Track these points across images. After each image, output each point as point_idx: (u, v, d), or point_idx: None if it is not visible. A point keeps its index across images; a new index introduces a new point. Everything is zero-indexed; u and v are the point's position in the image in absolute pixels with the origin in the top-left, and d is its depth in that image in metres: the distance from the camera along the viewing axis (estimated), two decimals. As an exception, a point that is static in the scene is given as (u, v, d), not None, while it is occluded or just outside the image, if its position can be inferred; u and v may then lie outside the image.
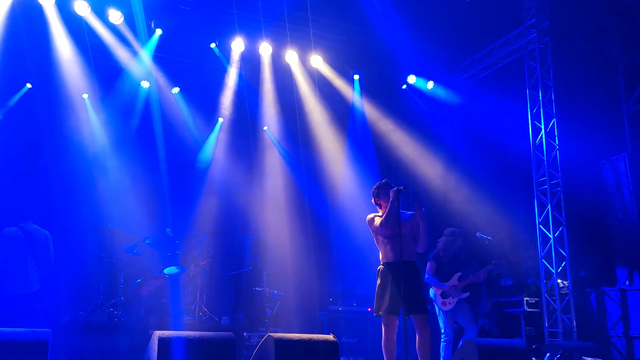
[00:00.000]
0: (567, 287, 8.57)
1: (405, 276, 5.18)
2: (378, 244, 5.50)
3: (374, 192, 5.57)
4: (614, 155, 8.56)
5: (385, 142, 10.54)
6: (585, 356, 5.57)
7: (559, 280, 8.61)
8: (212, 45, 9.44)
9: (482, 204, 9.57)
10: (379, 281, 5.35)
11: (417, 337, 5.29)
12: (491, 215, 9.36)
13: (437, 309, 7.11)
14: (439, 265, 7.19)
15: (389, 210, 5.28)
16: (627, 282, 7.80)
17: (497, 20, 9.30)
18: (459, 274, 7.18)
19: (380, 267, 5.42)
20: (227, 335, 4.81)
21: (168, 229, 8.93)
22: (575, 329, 8.20)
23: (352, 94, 10.47)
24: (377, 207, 5.57)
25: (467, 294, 7.15)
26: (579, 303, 8.34)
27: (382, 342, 5.25)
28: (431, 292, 7.13)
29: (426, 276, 7.13)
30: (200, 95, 10.21)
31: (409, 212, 5.53)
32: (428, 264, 7.23)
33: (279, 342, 4.75)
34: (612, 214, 8.17)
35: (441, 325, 7.07)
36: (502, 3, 9.36)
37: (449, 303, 7.01)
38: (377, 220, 5.39)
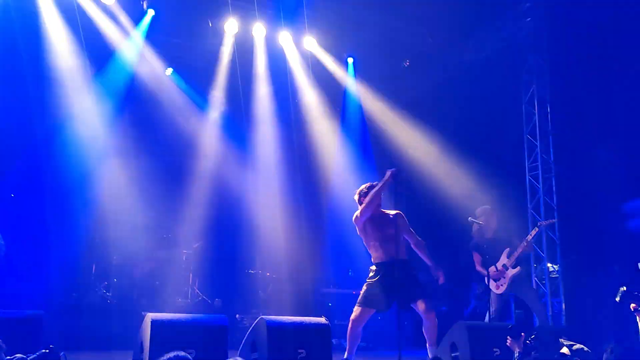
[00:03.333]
0: (557, 271, 8.67)
1: (400, 274, 5.15)
2: (369, 247, 5.40)
3: (361, 191, 5.47)
4: (607, 140, 8.60)
5: (379, 126, 10.52)
6: (561, 339, 5.66)
7: (549, 265, 8.70)
8: (207, 24, 9.34)
9: (474, 189, 9.60)
10: (368, 279, 5.29)
11: (424, 322, 5.28)
12: (483, 200, 9.39)
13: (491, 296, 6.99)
14: (482, 253, 7.08)
15: (377, 189, 5.23)
16: (616, 267, 7.89)
17: (492, 3, 9.21)
18: (508, 249, 7.04)
19: (373, 267, 5.35)
20: (220, 317, 4.84)
21: (150, 211, 8.86)
22: (564, 313, 8.32)
23: (346, 77, 10.41)
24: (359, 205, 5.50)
25: (518, 268, 6.97)
26: (568, 287, 8.43)
27: (350, 330, 5.20)
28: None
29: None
30: (193, 76, 10.12)
31: (393, 213, 5.46)
32: (473, 256, 7.11)
33: (272, 324, 4.78)
34: (603, 199, 8.22)
35: (491, 311, 6.93)
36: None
37: (502, 284, 6.95)
38: (359, 210, 5.32)
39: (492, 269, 6.94)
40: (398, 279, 5.11)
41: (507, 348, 5.51)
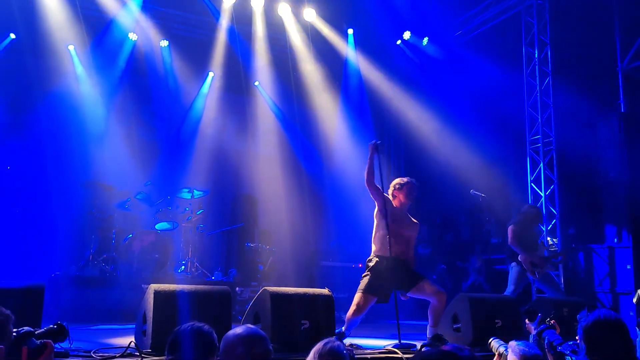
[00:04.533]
0: (556, 244, 8.70)
1: (401, 269, 5.16)
2: (379, 236, 5.27)
3: (395, 185, 5.39)
4: (607, 114, 8.56)
5: (380, 98, 10.42)
6: (577, 314, 5.64)
7: (548, 238, 8.72)
8: (204, -5, 9.18)
9: (475, 162, 9.57)
10: (371, 271, 5.21)
11: (432, 303, 5.26)
12: (483, 173, 9.38)
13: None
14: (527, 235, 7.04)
15: (368, 166, 5.20)
16: (615, 240, 7.91)
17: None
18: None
19: (375, 259, 5.26)
20: (223, 288, 4.81)
21: (148, 182, 8.82)
22: (563, 286, 8.36)
23: (346, 48, 10.27)
24: (391, 197, 5.45)
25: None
26: (569, 259, 8.47)
27: (351, 314, 5.17)
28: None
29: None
30: (190, 48, 9.96)
31: (414, 220, 5.47)
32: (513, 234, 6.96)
33: (275, 295, 4.76)
34: (604, 172, 8.21)
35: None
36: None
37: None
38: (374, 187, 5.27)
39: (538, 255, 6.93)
40: (399, 272, 5.13)
41: (509, 319, 5.53)
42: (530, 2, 9.22)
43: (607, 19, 8.93)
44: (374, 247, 5.34)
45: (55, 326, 3.11)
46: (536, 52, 9.21)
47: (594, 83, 9.04)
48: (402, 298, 5.36)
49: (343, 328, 5.28)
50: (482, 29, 10.10)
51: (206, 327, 2.30)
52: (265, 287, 4.92)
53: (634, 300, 4.17)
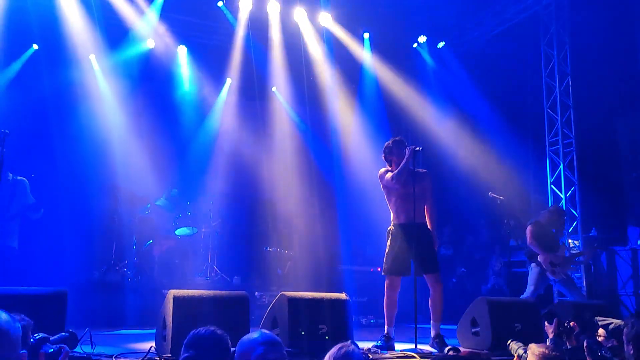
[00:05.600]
0: (578, 246, 8.58)
1: (417, 237, 5.21)
2: (390, 204, 5.48)
3: (386, 148, 5.53)
4: (629, 112, 8.43)
5: (397, 102, 10.40)
6: (597, 316, 5.54)
7: (569, 240, 8.61)
8: (220, 3, 9.27)
9: (494, 164, 9.50)
10: (389, 242, 5.38)
11: (431, 293, 5.35)
12: (503, 175, 9.30)
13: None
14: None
15: (402, 165, 5.25)
16: (639, 242, 7.78)
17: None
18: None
19: (391, 227, 5.43)
20: (241, 293, 4.85)
21: (174, 190, 8.94)
22: (585, 288, 8.24)
23: (362, 52, 10.28)
24: (387, 164, 5.53)
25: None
26: (590, 262, 8.34)
27: (385, 301, 5.32)
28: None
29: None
30: (208, 55, 10.07)
31: (422, 171, 5.50)
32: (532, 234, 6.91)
33: (292, 300, 4.78)
34: (626, 172, 8.09)
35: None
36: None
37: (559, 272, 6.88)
38: (389, 175, 5.37)
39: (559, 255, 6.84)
40: (415, 243, 5.16)
41: (529, 323, 5.47)
42: (548, 1, 9.13)
43: (627, 16, 8.81)
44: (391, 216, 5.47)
45: (67, 333, 3.23)
46: (555, 52, 9.11)
47: (614, 82, 8.91)
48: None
49: (385, 328, 5.29)
50: (498, 29, 10.01)
51: (220, 331, 2.33)
52: (283, 292, 4.95)
53: None
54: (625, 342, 2.67)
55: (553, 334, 4.20)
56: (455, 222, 10.68)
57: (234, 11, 9.42)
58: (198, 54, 10.04)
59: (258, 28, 9.68)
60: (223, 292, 4.93)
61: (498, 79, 9.95)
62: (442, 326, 5.52)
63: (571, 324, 4.44)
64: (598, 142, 8.80)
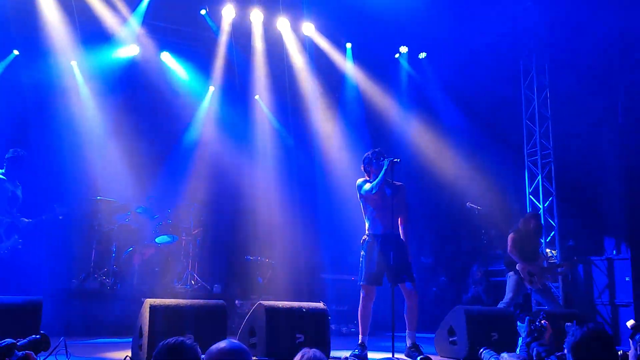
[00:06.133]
0: (556, 256, 8.70)
1: (394, 247, 5.26)
2: (366, 214, 5.54)
3: (365, 159, 5.60)
4: (606, 125, 8.59)
5: (378, 112, 10.49)
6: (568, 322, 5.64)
7: (547, 250, 8.73)
8: (203, 11, 9.30)
9: (474, 174, 9.62)
10: (363, 252, 5.42)
11: (406, 303, 5.40)
12: (482, 185, 9.42)
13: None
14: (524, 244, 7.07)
15: (381, 177, 5.32)
16: (614, 252, 7.91)
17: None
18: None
19: (365, 237, 5.47)
20: (219, 302, 4.85)
21: (149, 197, 8.88)
22: (562, 297, 8.35)
23: (344, 62, 10.36)
24: (366, 175, 5.60)
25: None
26: (569, 271, 8.45)
27: (360, 310, 5.37)
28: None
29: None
30: (191, 62, 10.07)
31: (398, 184, 5.56)
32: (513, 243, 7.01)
33: (270, 309, 4.80)
34: (602, 184, 8.23)
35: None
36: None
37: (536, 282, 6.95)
38: (367, 186, 5.43)
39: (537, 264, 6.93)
40: (392, 253, 5.22)
41: (505, 332, 5.53)
42: (528, 15, 9.27)
43: (607, 29, 8.99)
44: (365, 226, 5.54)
45: (38, 336, 3.20)
46: (534, 65, 9.27)
47: (592, 94, 9.08)
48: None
49: (360, 337, 5.35)
50: (480, 42, 10.15)
51: (189, 341, 2.34)
52: (261, 302, 4.95)
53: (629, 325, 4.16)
54: (566, 350, 2.72)
55: (526, 333, 4.25)
56: (436, 232, 10.77)
57: (217, 19, 9.44)
58: (181, 61, 10.04)
59: (241, 36, 9.71)
60: (201, 301, 4.93)
61: (478, 91, 10.07)
62: (422, 335, 5.58)
63: (542, 322, 4.50)
64: (576, 153, 8.94)
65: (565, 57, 9.06)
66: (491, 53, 10.00)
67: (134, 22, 9.04)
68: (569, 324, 4.31)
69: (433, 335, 6.03)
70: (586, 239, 8.66)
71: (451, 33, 10.21)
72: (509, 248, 6.92)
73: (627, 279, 7.64)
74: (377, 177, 5.39)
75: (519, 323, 4.58)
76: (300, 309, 4.96)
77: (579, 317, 6.08)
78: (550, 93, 9.11)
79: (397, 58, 10.66)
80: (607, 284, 7.90)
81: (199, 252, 9.11)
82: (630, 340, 3.95)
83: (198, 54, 9.99)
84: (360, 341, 5.34)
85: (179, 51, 9.95)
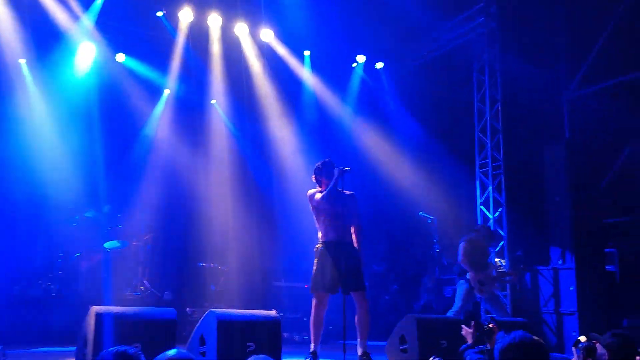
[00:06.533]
0: (505, 265, 8.91)
1: (345, 255, 5.29)
2: (318, 223, 5.55)
3: (316, 169, 5.63)
4: (553, 139, 8.89)
5: (334, 120, 10.56)
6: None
7: (496, 259, 8.93)
8: (159, 13, 9.14)
9: (427, 184, 9.78)
10: (316, 260, 5.43)
11: (357, 311, 5.42)
12: (435, 195, 9.59)
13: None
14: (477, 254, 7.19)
15: (331, 186, 5.36)
16: (560, 262, 8.16)
17: (447, 3, 9.38)
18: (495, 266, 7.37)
19: (319, 245, 5.48)
20: (169, 310, 4.75)
21: (107, 206, 8.67)
22: (510, 306, 8.57)
23: (302, 70, 10.38)
24: (318, 185, 5.61)
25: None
26: (516, 280, 8.67)
27: (312, 318, 5.36)
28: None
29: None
30: (146, 64, 9.88)
31: (349, 192, 5.59)
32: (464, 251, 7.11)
33: (221, 317, 4.73)
34: (550, 196, 8.49)
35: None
36: (453, -15, 9.48)
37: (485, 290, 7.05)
38: (319, 195, 5.45)
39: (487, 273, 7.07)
40: (342, 261, 5.23)
41: (455, 340, 5.62)
42: (481, 30, 9.54)
43: (554, 47, 9.34)
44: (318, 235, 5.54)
45: None
46: (487, 78, 9.51)
47: (541, 109, 9.41)
48: None
49: (311, 345, 5.32)
50: (435, 54, 10.40)
51: (132, 350, 2.27)
52: (212, 309, 4.88)
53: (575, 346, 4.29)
54: (495, 356, 2.77)
55: (473, 336, 4.31)
56: (390, 240, 10.89)
57: (174, 22, 9.30)
58: (136, 63, 9.83)
59: (198, 40, 9.60)
60: (150, 308, 4.82)
61: (434, 102, 10.29)
62: (374, 343, 5.60)
63: (490, 325, 4.60)
64: (525, 166, 9.21)
65: (516, 73, 9.35)
66: (447, 66, 10.25)
67: (88, 21, 8.80)
68: (500, 332, 4.42)
69: (385, 343, 6.07)
70: (533, 249, 8.91)
71: (407, 44, 10.41)
72: (460, 257, 7.07)
73: (571, 288, 7.88)
74: (328, 187, 5.42)
75: (464, 327, 4.65)
76: (252, 316, 4.90)
77: (526, 325, 6.25)
78: (502, 106, 9.36)
79: (354, 67, 10.75)
80: (553, 292, 8.13)
81: (149, 258, 8.92)
82: (573, 348, 4.08)
83: (154, 56, 9.81)
84: (311, 350, 5.34)
85: (135, 53, 9.74)
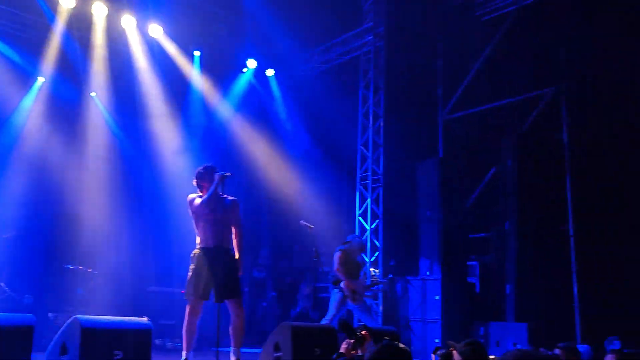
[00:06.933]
0: (379, 275, 9.32)
1: (222, 262, 5.24)
2: (197, 228, 5.45)
3: (197, 174, 5.52)
4: (428, 157, 9.47)
5: (220, 124, 10.42)
6: (386, 338, 6.05)
7: (371, 269, 9.31)
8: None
9: (310, 193, 9.96)
10: (193, 265, 5.33)
11: (232, 319, 5.37)
12: (318, 204, 9.79)
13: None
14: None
15: (210, 191, 5.29)
16: (428, 272, 8.69)
17: (339, 18, 9.68)
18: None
19: (196, 251, 5.38)
20: (26, 316, 4.40)
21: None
22: (382, 314, 8.97)
23: (191, 70, 10.13)
24: (199, 189, 5.51)
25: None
26: (387, 290, 9.11)
27: (185, 325, 5.26)
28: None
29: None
30: (19, 49, 9.12)
31: (230, 198, 5.55)
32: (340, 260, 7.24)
33: (86, 324, 4.46)
34: (422, 211, 9.02)
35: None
36: (345, 2, 9.80)
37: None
38: (198, 200, 5.36)
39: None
40: (219, 268, 5.17)
41: (327, 348, 5.75)
42: (368, 48, 9.94)
43: (433, 72, 9.98)
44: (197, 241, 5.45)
45: None
46: (371, 94, 9.91)
47: (418, 128, 10.00)
48: None
49: (183, 353, 5.19)
50: (324, 67, 10.68)
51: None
52: (76, 316, 4.59)
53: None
54: None
55: (346, 344, 4.45)
56: (272, 247, 10.94)
57: (53, 5, 8.68)
58: (5, 46, 9.03)
59: (80, 28, 9.03)
60: (3, 315, 4.43)
61: (321, 113, 10.51)
62: (250, 350, 5.58)
63: (362, 332, 4.77)
64: (401, 181, 9.72)
65: (398, 91, 9.85)
66: (336, 79, 10.55)
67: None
68: (370, 342, 4.64)
69: (260, 350, 6.06)
70: (406, 260, 9.41)
71: (298, 55, 10.58)
72: (335, 266, 7.28)
73: (436, 297, 8.42)
74: (208, 188, 5.35)
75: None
76: (120, 323, 4.68)
77: (394, 333, 6.56)
78: (383, 123, 9.80)
79: (244, 72, 10.69)
80: (420, 302, 8.63)
81: (9, 258, 8.19)
82: (432, 355, 4.37)
83: (28, 41, 9.08)
84: (183, 357, 5.21)
85: (6, 35, 8.95)
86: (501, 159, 8.99)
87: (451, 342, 4.02)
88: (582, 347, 5.22)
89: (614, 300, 7.53)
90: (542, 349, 5.75)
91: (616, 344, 5.81)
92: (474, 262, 8.95)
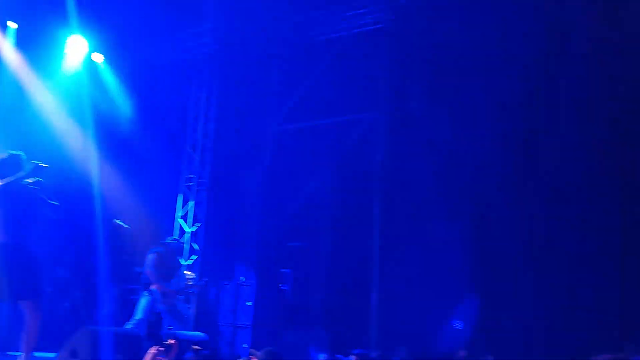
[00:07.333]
0: (194, 278, 9.24)
1: (17, 260, 4.79)
2: None
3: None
4: (255, 165, 9.66)
5: (35, 107, 9.46)
6: (194, 345, 6.05)
7: (187, 272, 9.20)
8: None
9: (130, 190, 9.54)
10: None
11: (26, 322, 4.92)
12: (136, 202, 9.41)
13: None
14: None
15: (8, 182, 4.81)
16: (243, 278, 8.85)
17: (175, 14, 9.43)
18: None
19: None
20: None
21: None
22: (193, 318, 8.90)
23: (3, 41, 9.05)
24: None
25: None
26: (201, 294, 9.06)
27: None
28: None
29: None
30: None
31: (33, 188, 5.10)
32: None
33: None
34: (242, 217, 9.17)
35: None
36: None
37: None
38: None
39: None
40: (11, 265, 4.76)
41: (130, 354, 5.56)
42: (206, 49, 9.80)
43: (268, 83, 10.19)
44: None
45: None
46: (204, 96, 9.81)
47: (249, 137, 10.13)
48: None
49: None
50: (163, 60, 10.27)
51: None
52: None
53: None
54: None
55: (154, 351, 4.39)
56: (78, 245, 10.21)
57: None
58: None
59: None
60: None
61: (157, 107, 10.12)
62: (44, 355, 5.16)
63: (170, 341, 4.74)
64: (227, 187, 9.76)
65: (233, 97, 9.90)
66: (170, 73, 10.21)
67: None
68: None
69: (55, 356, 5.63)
70: (223, 264, 9.46)
71: (136, 43, 10.05)
72: (147, 268, 7.09)
73: (249, 303, 8.60)
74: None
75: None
76: None
77: (204, 340, 6.59)
78: (214, 126, 9.76)
79: (67, 53, 9.82)
80: (233, 307, 8.74)
81: None
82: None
83: None
84: None
85: None
86: (321, 173, 9.47)
87: (253, 350, 4.21)
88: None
89: (409, 310, 8.30)
90: (339, 356, 6.21)
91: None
92: (287, 270, 9.31)
